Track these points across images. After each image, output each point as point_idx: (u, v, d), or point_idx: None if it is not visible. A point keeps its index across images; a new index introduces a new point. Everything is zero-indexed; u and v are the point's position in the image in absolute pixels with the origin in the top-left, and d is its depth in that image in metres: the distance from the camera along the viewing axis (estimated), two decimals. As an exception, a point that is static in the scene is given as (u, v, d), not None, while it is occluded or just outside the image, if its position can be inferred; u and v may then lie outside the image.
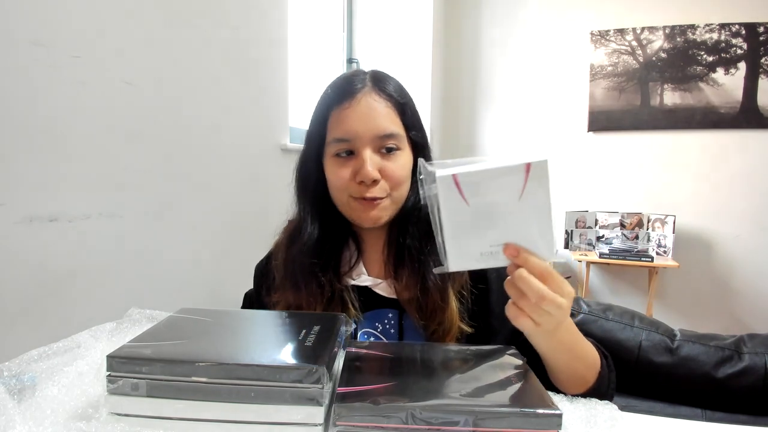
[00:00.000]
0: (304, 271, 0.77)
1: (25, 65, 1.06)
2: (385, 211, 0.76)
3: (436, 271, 0.60)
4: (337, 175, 0.75)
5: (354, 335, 0.76)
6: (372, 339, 0.78)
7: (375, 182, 0.74)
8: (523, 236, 0.55)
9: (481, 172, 0.53)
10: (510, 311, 0.58)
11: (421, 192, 0.56)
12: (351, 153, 0.75)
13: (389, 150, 0.75)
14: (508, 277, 0.57)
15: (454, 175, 0.52)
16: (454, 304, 0.75)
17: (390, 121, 0.75)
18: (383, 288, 0.80)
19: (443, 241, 0.56)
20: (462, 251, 0.56)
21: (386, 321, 0.78)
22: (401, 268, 0.78)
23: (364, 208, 0.75)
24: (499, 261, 0.57)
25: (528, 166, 0.52)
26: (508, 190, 0.53)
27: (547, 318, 0.56)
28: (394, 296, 0.79)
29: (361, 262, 0.82)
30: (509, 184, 0.53)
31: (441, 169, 0.53)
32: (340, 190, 0.76)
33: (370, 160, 0.73)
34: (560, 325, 0.60)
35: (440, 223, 0.55)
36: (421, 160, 0.56)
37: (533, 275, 0.55)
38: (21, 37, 1.05)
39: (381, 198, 0.75)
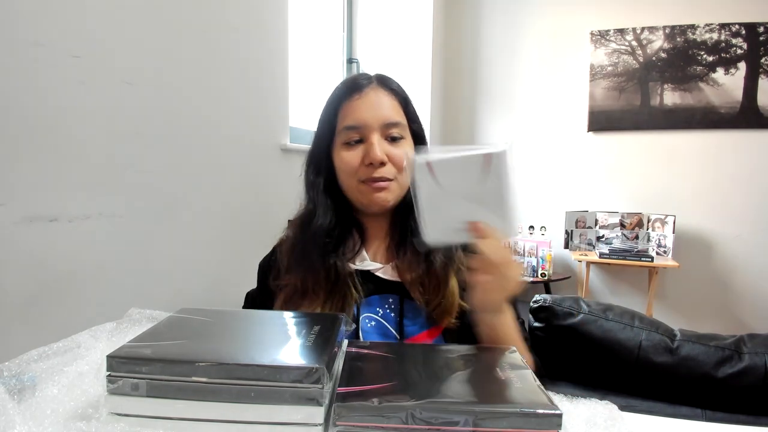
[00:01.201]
0: (315, 253, 0.81)
1: (26, 65, 1.06)
2: (392, 194, 0.83)
3: (416, 242, 0.68)
4: (347, 160, 0.82)
5: (357, 319, 0.80)
6: (373, 323, 0.81)
7: (383, 164, 0.81)
8: (487, 216, 0.65)
9: (450, 159, 0.64)
10: (470, 276, 0.67)
11: (409, 178, 0.66)
12: (359, 141, 0.82)
13: (394, 139, 0.83)
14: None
15: (428, 162, 0.64)
16: (453, 281, 0.81)
17: (395, 112, 0.84)
18: (386, 272, 0.84)
19: (420, 217, 0.66)
20: (436, 226, 0.66)
21: (386, 306, 0.82)
22: (404, 249, 0.83)
23: (373, 192, 0.81)
24: (468, 237, 0.66)
25: (488, 156, 0.63)
26: (471, 176, 0.64)
27: (499, 282, 0.66)
28: (396, 279, 0.83)
29: (363, 250, 0.86)
30: (472, 171, 0.64)
31: (420, 155, 0.64)
32: (349, 174, 0.82)
33: (378, 144, 0.81)
34: (501, 307, 0.70)
35: (417, 201, 0.65)
36: (406, 151, 0.65)
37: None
38: (21, 37, 1.05)
39: (389, 179, 0.82)
